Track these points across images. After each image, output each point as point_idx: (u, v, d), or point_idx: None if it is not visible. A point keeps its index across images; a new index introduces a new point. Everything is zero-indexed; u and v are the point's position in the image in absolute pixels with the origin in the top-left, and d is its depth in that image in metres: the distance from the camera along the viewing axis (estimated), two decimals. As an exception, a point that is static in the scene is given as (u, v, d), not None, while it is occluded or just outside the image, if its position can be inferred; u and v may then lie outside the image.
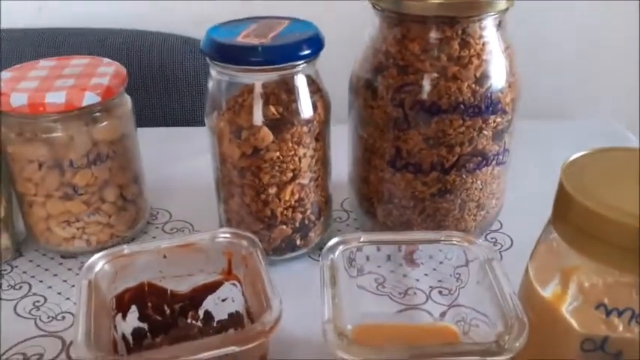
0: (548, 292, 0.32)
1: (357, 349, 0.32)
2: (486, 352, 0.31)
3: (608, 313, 0.30)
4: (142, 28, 0.82)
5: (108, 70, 0.48)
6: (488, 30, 0.43)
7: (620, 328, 0.30)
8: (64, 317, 0.44)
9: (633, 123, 0.77)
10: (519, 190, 0.55)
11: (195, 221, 0.56)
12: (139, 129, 0.53)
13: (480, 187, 0.48)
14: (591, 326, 0.30)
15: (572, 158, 0.32)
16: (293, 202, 0.47)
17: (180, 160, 0.65)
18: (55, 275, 0.49)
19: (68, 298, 0.46)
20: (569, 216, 0.30)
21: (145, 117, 0.73)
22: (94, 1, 0.81)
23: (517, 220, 0.54)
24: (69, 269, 0.50)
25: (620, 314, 0.30)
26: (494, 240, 0.54)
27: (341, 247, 0.39)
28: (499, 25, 0.44)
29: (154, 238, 0.54)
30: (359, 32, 0.48)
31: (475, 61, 0.43)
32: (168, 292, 0.39)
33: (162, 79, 0.78)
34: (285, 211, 0.47)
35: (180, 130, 0.73)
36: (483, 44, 0.43)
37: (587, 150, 0.33)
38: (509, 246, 0.53)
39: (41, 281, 0.48)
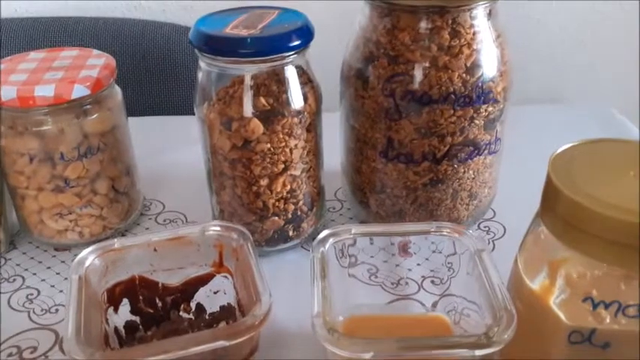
0: (536, 284, 0.33)
1: (346, 342, 0.32)
2: (475, 345, 0.31)
3: (595, 306, 0.30)
4: (134, 17, 0.82)
5: (97, 62, 0.48)
6: (479, 19, 0.43)
7: (608, 320, 0.30)
8: (57, 310, 0.44)
9: (630, 107, 0.76)
10: (513, 178, 0.55)
11: (189, 212, 0.56)
12: (131, 118, 0.53)
13: (472, 176, 0.48)
14: (579, 318, 0.30)
15: (560, 150, 0.32)
16: (285, 194, 0.47)
17: (173, 150, 0.65)
18: (49, 268, 0.49)
19: (61, 291, 0.46)
20: (557, 209, 0.30)
21: (138, 106, 0.73)
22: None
23: (511, 208, 0.54)
24: (62, 261, 0.50)
25: (606, 307, 0.30)
26: (487, 229, 0.54)
27: (331, 240, 0.39)
28: (490, 14, 0.43)
29: (147, 229, 0.54)
30: (351, 16, 0.48)
31: (466, 51, 0.43)
32: (160, 285, 0.39)
33: (154, 68, 0.78)
34: (277, 203, 0.47)
35: (173, 119, 0.73)
36: (474, 33, 0.43)
37: (576, 141, 0.33)
38: (502, 234, 0.53)
39: (35, 274, 0.48)
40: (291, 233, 0.49)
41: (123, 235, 0.53)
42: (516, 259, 0.35)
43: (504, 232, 0.53)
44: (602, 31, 0.81)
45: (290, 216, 0.48)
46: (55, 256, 0.50)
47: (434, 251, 0.42)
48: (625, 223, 0.27)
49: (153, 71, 0.78)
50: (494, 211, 0.55)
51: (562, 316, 0.31)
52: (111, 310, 0.38)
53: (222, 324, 0.39)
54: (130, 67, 0.76)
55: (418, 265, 0.45)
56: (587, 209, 0.28)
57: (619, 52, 0.82)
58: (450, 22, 0.42)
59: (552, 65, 0.83)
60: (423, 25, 0.42)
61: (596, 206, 0.28)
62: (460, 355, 0.32)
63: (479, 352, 0.31)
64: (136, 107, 0.58)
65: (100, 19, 0.79)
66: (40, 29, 0.77)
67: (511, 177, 0.54)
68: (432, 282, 0.44)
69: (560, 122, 0.71)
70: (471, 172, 0.48)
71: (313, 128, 0.46)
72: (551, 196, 0.31)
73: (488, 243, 0.52)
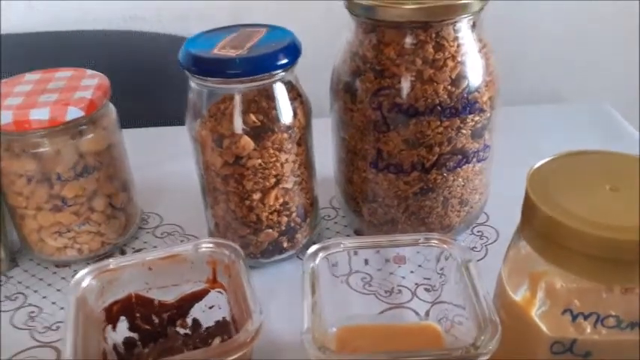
0: (518, 296, 0.33)
1: (334, 357, 0.33)
2: (462, 357, 0.32)
3: (574, 318, 0.31)
4: (131, 28, 0.82)
5: (91, 83, 0.49)
6: (463, 31, 0.44)
7: (588, 331, 0.31)
8: (58, 327, 0.45)
9: (629, 106, 0.77)
10: (507, 180, 0.54)
11: (186, 224, 0.57)
12: (127, 130, 0.54)
13: (462, 184, 0.49)
14: (560, 330, 0.31)
15: (537, 165, 0.33)
16: (278, 207, 0.47)
17: (170, 161, 0.66)
18: (50, 285, 0.50)
19: (62, 308, 0.47)
20: (535, 224, 0.31)
21: (135, 117, 0.74)
22: (79, 1, 0.82)
23: (504, 211, 0.53)
24: (62, 278, 0.51)
25: (585, 318, 0.31)
26: (480, 233, 0.54)
27: (321, 254, 0.40)
28: (474, 26, 0.44)
29: (145, 243, 0.55)
30: (343, 20, 0.48)
31: (450, 63, 0.43)
32: (156, 302, 0.41)
33: (151, 79, 0.78)
34: (270, 216, 0.48)
35: (169, 130, 0.73)
36: (458, 46, 0.43)
37: (553, 155, 0.33)
38: (494, 239, 0.53)
39: (36, 291, 0.49)
40: (285, 245, 0.50)
41: (122, 249, 0.54)
42: (500, 271, 0.36)
43: (497, 236, 0.54)
44: (599, 29, 0.81)
45: (284, 228, 0.49)
46: (55, 272, 0.51)
47: (426, 259, 0.43)
48: (601, 239, 0.28)
49: (149, 82, 0.78)
50: (487, 215, 0.56)
51: (543, 327, 0.32)
52: (109, 328, 0.40)
53: (218, 339, 0.40)
54: (126, 78, 0.76)
55: (411, 272, 0.46)
56: (563, 225, 0.29)
57: (617, 50, 0.82)
58: (433, 36, 0.43)
59: (548, 64, 0.83)
60: (408, 40, 0.43)
61: (573, 222, 0.29)
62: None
63: (464, 365, 0.32)
64: (132, 119, 0.59)
65: (96, 32, 0.80)
66: (36, 45, 0.78)
67: (505, 179, 0.54)
68: (425, 289, 0.45)
69: (556, 122, 0.71)
70: (460, 179, 0.48)
71: (303, 142, 0.47)
72: (529, 211, 0.31)
73: (481, 249, 0.52)
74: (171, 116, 0.79)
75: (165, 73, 0.79)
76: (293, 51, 0.44)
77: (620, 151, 0.33)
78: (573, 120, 0.72)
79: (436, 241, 0.41)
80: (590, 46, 0.82)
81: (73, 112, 0.46)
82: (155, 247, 0.54)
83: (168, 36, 0.80)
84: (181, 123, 0.47)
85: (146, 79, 0.78)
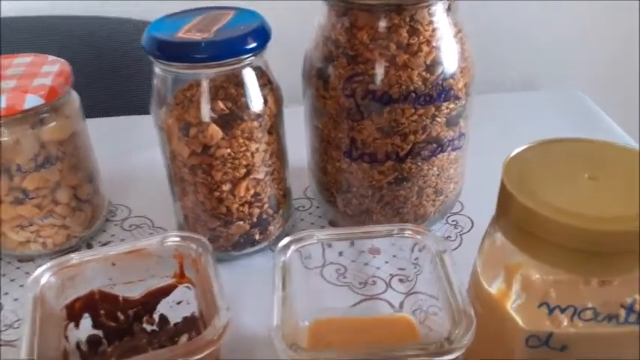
0: (494, 288, 0.32)
1: (305, 355, 0.31)
2: (436, 352, 0.31)
3: (550, 311, 0.30)
4: (104, 13, 0.80)
5: (52, 69, 0.47)
6: (438, 15, 0.42)
7: (565, 323, 0.30)
8: (20, 325, 0.44)
9: (602, 93, 0.76)
10: (482, 168, 0.54)
11: (155, 216, 0.55)
12: (93, 120, 0.52)
13: (437, 173, 0.48)
14: (536, 323, 0.30)
15: (513, 153, 0.32)
16: (249, 198, 0.46)
17: (138, 151, 0.64)
18: (12, 280, 0.48)
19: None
20: (511, 214, 0.30)
21: (104, 106, 0.72)
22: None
23: (479, 200, 0.53)
24: (26, 273, 0.49)
25: (562, 311, 0.30)
26: (455, 223, 0.53)
27: (293, 247, 0.39)
28: (449, 10, 0.43)
29: (112, 236, 0.53)
30: (315, 2, 0.46)
31: (425, 48, 0.42)
32: (120, 298, 0.39)
33: (118, 66, 0.76)
34: (241, 207, 0.46)
35: (138, 119, 0.71)
36: (433, 30, 0.42)
37: (530, 143, 0.32)
38: (469, 228, 0.53)
39: (-3, 287, 0.48)
40: (257, 237, 0.49)
41: (88, 243, 0.52)
42: (475, 262, 0.35)
43: (472, 225, 0.53)
44: (573, 16, 0.81)
45: (255, 220, 0.47)
46: (19, 267, 0.50)
47: (400, 249, 0.42)
48: (577, 230, 0.27)
49: (116, 70, 0.76)
50: (462, 205, 0.55)
51: (519, 320, 0.31)
52: (71, 326, 0.38)
53: (185, 335, 0.39)
54: (91, 66, 0.74)
55: (386, 262, 0.45)
56: (539, 215, 0.28)
57: (591, 37, 0.82)
58: (407, 19, 0.41)
59: (522, 51, 0.82)
60: (381, 23, 0.42)
61: (549, 212, 0.28)
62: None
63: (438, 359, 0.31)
64: (99, 107, 0.57)
65: (60, 17, 0.77)
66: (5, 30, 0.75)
67: (480, 168, 0.53)
68: (400, 280, 0.44)
69: (530, 110, 0.71)
70: (435, 169, 0.47)
71: (275, 130, 0.46)
72: (505, 201, 0.30)
73: (456, 238, 0.52)
74: (139, 104, 0.77)
75: (131, 59, 0.77)
76: (262, 34, 0.42)
77: (599, 139, 0.33)
78: (547, 108, 0.71)
79: (410, 232, 0.40)
80: (563, 33, 0.82)
81: (32, 100, 0.44)
82: (123, 240, 0.52)
83: (135, 21, 0.78)
84: (149, 111, 0.45)
85: (112, 66, 0.76)
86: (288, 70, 0.49)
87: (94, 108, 0.51)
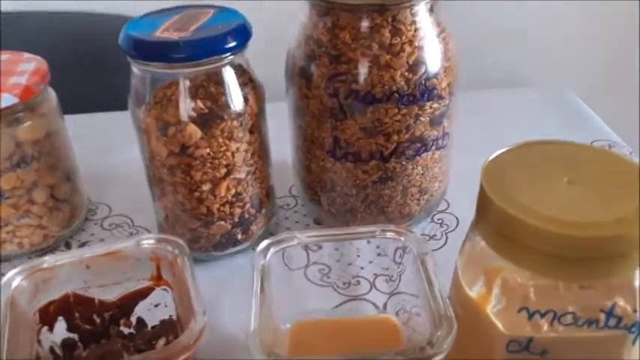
0: (474, 292, 0.32)
1: (282, 361, 0.31)
2: (417, 357, 0.31)
3: (530, 316, 0.30)
4: (78, 9, 0.78)
5: (28, 67, 0.46)
6: (421, 15, 0.42)
7: (545, 328, 0.30)
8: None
9: (590, 91, 0.76)
10: (468, 166, 0.53)
11: (136, 216, 0.54)
12: (72, 116, 0.51)
13: (421, 172, 0.47)
14: (516, 328, 0.30)
15: (493, 156, 0.31)
16: (230, 198, 0.45)
17: (119, 148, 0.62)
18: (-12, 281, 0.47)
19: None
20: (490, 218, 0.30)
21: (81, 102, 0.70)
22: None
23: (465, 198, 0.53)
24: (2, 274, 0.48)
25: (542, 316, 0.29)
26: (440, 221, 0.53)
27: (273, 249, 0.38)
28: (432, 10, 0.42)
29: (92, 235, 0.52)
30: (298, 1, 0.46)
31: (407, 49, 0.41)
32: (96, 301, 0.38)
33: (99, 61, 0.75)
34: (222, 207, 0.45)
35: (119, 116, 0.70)
36: (415, 30, 0.42)
37: (509, 145, 0.32)
38: (454, 227, 0.52)
39: (-28, 289, 0.46)
40: (239, 237, 0.48)
41: (67, 242, 0.51)
42: (456, 265, 0.34)
43: (458, 223, 0.53)
44: (564, 13, 0.80)
45: (237, 220, 0.47)
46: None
47: (383, 249, 0.42)
48: (556, 235, 0.27)
49: (97, 65, 0.75)
50: (448, 203, 0.55)
51: (499, 325, 0.30)
52: (45, 329, 0.37)
53: (163, 339, 0.38)
54: (71, 61, 0.73)
55: (370, 262, 0.44)
56: (518, 220, 0.28)
57: (580, 34, 0.81)
58: (390, 19, 0.41)
59: (510, 48, 0.82)
60: (364, 23, 0.41)
61: (528, 217, 0.27)
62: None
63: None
64: (79, 103, 0.56)
65: (38, 13, 0.76)
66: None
67: (466, 165, 0.53)
68: (384, 280, 0.44)
69: (517, 107, 0.70)
70: (419, 168, 0.47)
71: (256, 129, 0.45)
72: (484, 205, 0.30)
73: (441, 236, 0.51)
74: (120, 101, 0.76)
75: (111, 55, 0.75)
76: (242, 33, 0.41)
77: (578, 142, 0.32)
78: (535, 105, 0.71)
79: (392, 234, 0.39)
80: (555, 31, 0.81)
81: (7, 99, 0.43)
82: (102, 240, 0.51)
83: (116, 16, 0.76)
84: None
85: (93, 61, 0.75)
86: (274, 66, 0.48)
87: (73, 104, 0.50)
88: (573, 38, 0.81)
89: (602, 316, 0.29)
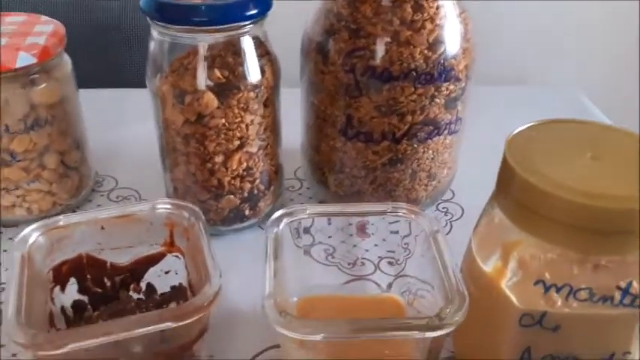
0: (489, 267, 0.32)
1: (297, 324, 0.31)
2: (427, 327, 0.31)
3: (546, 289, 0.30)
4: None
5: (45, 29, 0.46)
6: (443, -7, 0.42)
7: (559, 303, 0.30)
8: (3, 289, 0.42)
9: (596, 89, 0.77)
10: (474, 159, 0.54)
11: (143, 189, 0.54)
12: (83, 91, 0.51)
13: (432, 156, 0.47)
14: (530, 302, 0.30)
15: (517, 130, 0.32)
16: (241, 171, 0.45)
17: (128, 124, 0.63)
18: (-5, 244, 0.47)
19: (8, 269, 0.44)
20: (511, 190, 0.30)
21: (91, 77, 0.70)
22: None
23: (469, 189, 0.53)
24: (10, 239, 0.48)
25: (558, 290, 0.30)
26: (445, 210, 0.53)
27: (285, 220, 0.38)
28: (453, -12, 0.43)
29: (98, 206, 0.52)
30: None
31: (428, 26, 0.42)
32: (108, 264, 0.38)
33: (109, 38, 0.75)
34: (232, 181, 0.45)
35: (128, 92, 0.70)
36: (437, 8, 0.42)
37: (534, 121, 0.32)
38: (459, 216, 0.53)
39: (-21, 251, 0.46)
40: (247, 212, 0.48)
41: (74, 211, 0.51)
42: (470, 241, 0.35)
43: (462, 213, 0.53)
44: (571, 12, 0.81)
45: (246, 195, 0.47)
46: (2, 232, 0.48)
47: (391, 232, 0.42)
48: (579, 206, 0.27)
49: (107, 41, 0.75)
50: (453, 192, 0.55)
51: (513, 299, 0.31)
52: (57, 289, 0.37)
53: (173, 304, 0.38)
54: (83, 36, 0.73)
55: (375, 245, 0.44)
56: (540, 191, 0.28)
57: (588, 34, 0.82)
58: (412, -5, 0.41)
59: (518, 46, 0.82)
60: (386, -2, 0.41)
61: (550, 188, 0.28)
62: (411, 337, 0.32)
63: (429, 334, 0.31)
64: (89, 79, 0.56)
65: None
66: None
67: (472, 158, 0.54)
68: (389, 263, 0.44)
69: (523, 104, 0.71)
70: (430, 152, 0.47)
71: (271, 103, 0.45)
72: (506, 177, 0.30)
73: (446, 224, 0.52)
74: (129, 78, 0.76)
75: (124, 32, 0.75)
76: (263, 2, 0.41)
77: (601, 122, 0.32)
78: (543, 104, 0.71)
79: (404, 211, 0.39)
80: (560, 28, 0.81)
81: (24, 59, 0.42)
82: (110, 209, 0.51)
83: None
84: (140, 85, 0.45)
85: (104, 37, 0.75)
86: (282, 50, 0.48)
87: (83, 79, 0.50)
88: (582, 36, 0.81)
89: (618, 294, 0.30)
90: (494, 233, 0.32)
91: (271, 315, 0.31)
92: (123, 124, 0.63)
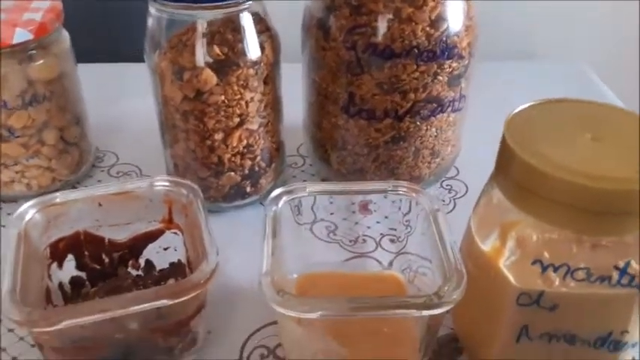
0: (487, 246, 0.32)
1: (294, 302, 0.31)
2: (425, 305, 0.31)
3: (544, 269, 0.30)
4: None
5: (42, 5, 0.45)
6: (445, -31, 0.41)
7: (557, 283, 0.30)
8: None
9: (606, 66, 0.75)
10: (479, 135, 0.53)
11: (144, 164, 0.54)
12: (83, 65, 0.50)
13: (435, 134, 0.47)
14: (527, 281, 0.30)
15: (517, 110, 0.31)
16: (241, 149, 0.45)
17: (128, 99, 0.62)
18: (-6, 220, 0.47)
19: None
20: (510, 170, 0.29)
21: (92, 52, 0.70)
22: None
23: (474, 166, 0.52)
24: (8, 214, 0.48)
25: (555, 270, 0.29)
26: (449, 187, 0.53)
27: (285, 198, 0.38)
28: (457, -36, 0.42)
29: (99, 182, 0.52)
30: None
31: (430, 3, 0.41)
32: (106, 240, 0.38)
33: (110, 12, 0.74)
34: (232, 158, 0.45)
35: (128, 67, 0.69)
36: (440, -16, 0.41)
37: (534, 101, 0.32)
38: (463, 193, 0.52)
39: (-21, 227, 0.46)
40: (248, 189, 0.48)
41: (74, 187, 0.51)
42: (470, 220, 0.34)
43: (467, 190, 0.52)
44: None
45: (247, 172, 0.47)
46: (1, 208, 0.48)
47: (393, 209, 0.41)
48: (577, 186, 0.27)
49: (108, 16, 0.74)
50: (457, 170, 0.55)
51: (511, 278, 0.30)
52: (54, 265, 0.37)
53: (171, 281, 0.38)
54: (83, 10, 0.72)
55: (377, 222, 0.44)
56: (539, 171, 0.27)
57: (597, 6, 0.80)
58: (414, -29, 0.40)
59: (525, 19, 0.81)
60: (387, -27, 0.40)
61: (549, 168, 0.27)
62: (410, 315, 0.32)
63: (427, 313, 0.31)
64: (89, 53, 0.55)
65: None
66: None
67: (477, 135, 0.53)
68: (390, 240, 0.44)
69: (530, 79, 0.70)
70: (433, 129, 0.47)
71: (271, 80, 0.45)
72: (505, 157, 0.30)
73: (450, 202, 0.51)
74: (130, 52, 0.75)
75: (124, 6, 0.74)
76: (263, -21, 0.41)
77: (602, 102, 0.32)
78: (548, 78, 0.70)
79: (405, 189, 0.39)
80: (568, 2, 0.80)
81: (21, 35, 0.42)
82: (109, 185, 0.51)
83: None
84: (140, 60, 0.44)
85: (104, 11, 0.74)
86: (285, 24, 0.48)
87: (83, 54, 0.50)
88: (589, 10, 0.80)
89: (615, 274, 0.29)
90: (493, 213, 0.32)
91: (268, 292, 0.31)
92: (124, 99, 0.62)
